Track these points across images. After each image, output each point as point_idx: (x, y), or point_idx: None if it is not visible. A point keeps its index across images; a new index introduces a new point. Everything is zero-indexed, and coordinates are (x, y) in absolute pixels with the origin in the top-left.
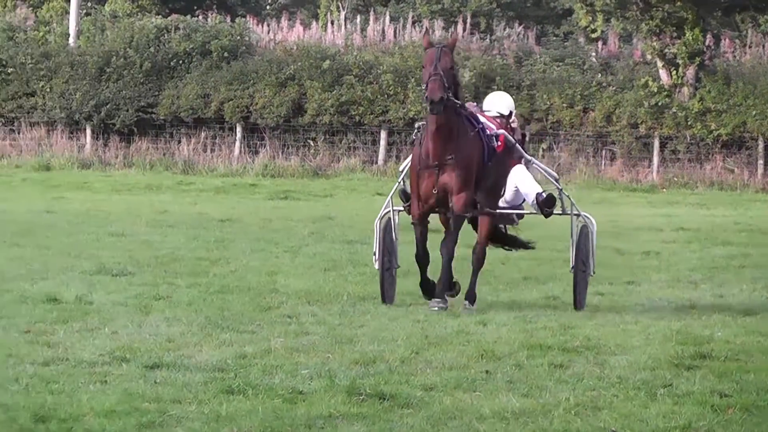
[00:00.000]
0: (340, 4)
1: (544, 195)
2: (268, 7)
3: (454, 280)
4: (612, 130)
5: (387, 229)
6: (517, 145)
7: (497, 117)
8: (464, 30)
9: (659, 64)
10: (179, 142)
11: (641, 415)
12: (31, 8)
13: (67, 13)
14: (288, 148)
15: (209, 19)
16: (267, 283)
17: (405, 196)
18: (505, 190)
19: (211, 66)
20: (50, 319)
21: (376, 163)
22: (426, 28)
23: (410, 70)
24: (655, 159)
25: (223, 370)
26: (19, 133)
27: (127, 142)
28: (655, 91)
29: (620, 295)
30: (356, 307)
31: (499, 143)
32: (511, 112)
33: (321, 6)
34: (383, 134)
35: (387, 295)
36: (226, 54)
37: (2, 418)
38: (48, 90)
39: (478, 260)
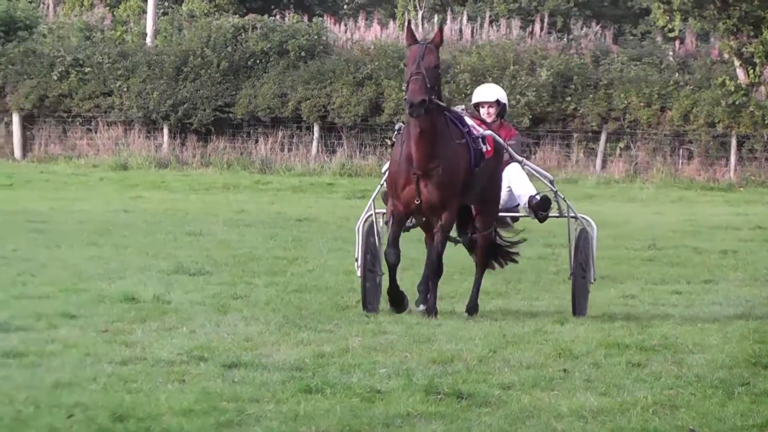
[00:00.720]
0: (417, 4)
1: (538, 197)
2: (345, 6)
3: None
4: (689, 129)
5: (370, 233)
6: (506, 144)
7: (488, 113)
8: (541, 29)
9: (736, 63)
10: (256, 141)
11: (719, 414)
12: (108, 8)
13: (144, 12)
14: (365, 147)
15: (286, 19)
16: (344, 282)
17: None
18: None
19: (289, 65)
20: (128, 318)
21: None
22: (409, 21)
23: (488, 69)
24: (732, 158)
25: (301, 369)
26: (96, 133)
27: (204, 142)
28: (732, 90)
29: (698, 294)
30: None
31: (488, 147)
32: (499, 101)
33: (398, 5)
34: None
35: (369, 302)
36: (303, 53)
37: (81, 417)
38: (125, 89)
39: (480, 271)
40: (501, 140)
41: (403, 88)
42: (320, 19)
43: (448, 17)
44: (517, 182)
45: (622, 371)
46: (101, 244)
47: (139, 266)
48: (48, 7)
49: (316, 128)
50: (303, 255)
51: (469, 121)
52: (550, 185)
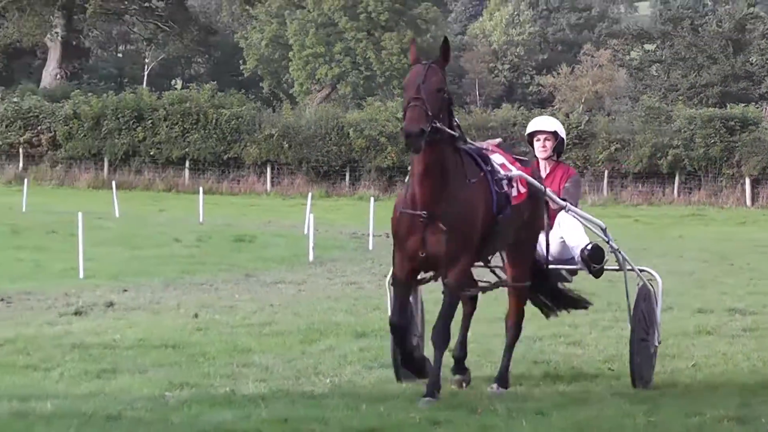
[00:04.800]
0: None
1: (589, 247)
2: None
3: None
4: None
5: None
6: (549, 190)
7: (524, 155)
8: None
9: None
10: None
11: None
12: None
13: None
14: None
15: None
16: None
17: None
18: (552, 247)
19: None
20: None
21: None
22: (413, 38)
23: None
24: None
25: None
26: None
27: None
28: None
29: None
30: None
31: (520, 190)
32: (557, 133)
33: None
34: None
35: (401, 370)
36: None
37: None
38: None
39: (513, 335)
40: (536, 183)
41: (401, 116)
42: None
43: None
44: (569, 232)
45: None
46: None
47: None
48: None
49: None
50: None
51: (498, 158)
52: (602, 234)
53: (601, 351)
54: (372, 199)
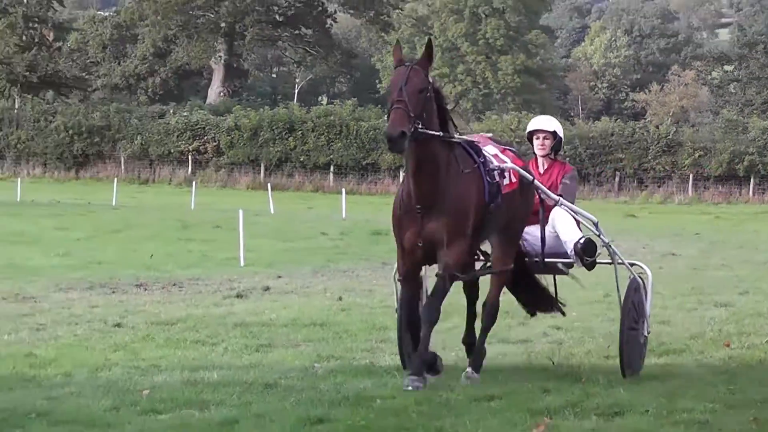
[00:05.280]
0: None
1: (582, 241)
2: None
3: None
4: None
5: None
6: (537, 182)
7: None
8: None
9: None
10: None
11: None
12: None
13: None
14: None
15: None
16: None
17: None
18: (547, 241)
19: None
20: None
21: None
22: (397, 40)
23: None
24: None
25: None
26: None
27: None
28: None
29: None
30: None
31: (512, 180)
32: (556, 133)
33: None
34: None
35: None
36: None
37: None
38: None
39: (489, 316)
40: (527, 174)
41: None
42: None
43: None
44: (562, 226)
45: None
46: None
47: None
48: None
49: None
50: None
51: (491, 149)
52: (593, 228)
53: (687, 329)
54: None
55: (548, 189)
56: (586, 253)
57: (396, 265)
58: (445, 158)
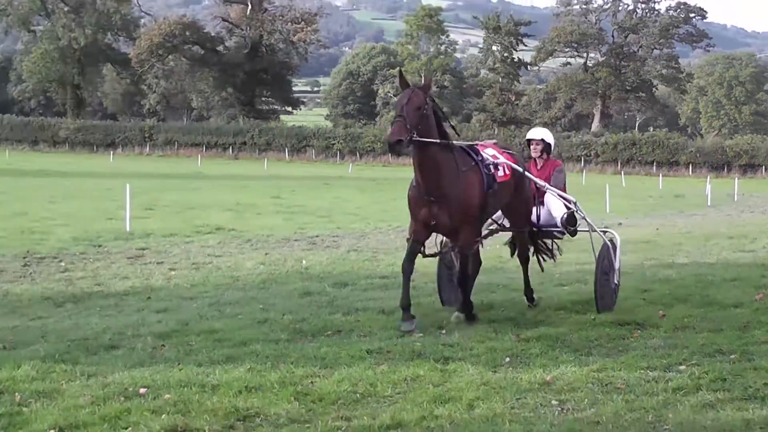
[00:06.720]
0: None
1: (565, 216)
2: None
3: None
4: None
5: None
6: (528, 173)
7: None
8: None
9: None
10: None
11: None
12: None
13: None
14: None
15: None
16: None
17: None
18: (542, 217)
19: None
20: None
21: None
22: (400, 69)
23: None
24: None
25: None
26: None
27: None
28: None
29: None
30: None
31: (506, 173)
32: (544, 140)
33: None
34: None
35: (446, 298)
36: None
37: None
38: None
39: (525, 267)
40: (517, 167)
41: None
42: None
43: None
44: (553, 206)
45: None
46: None
47: None
48: None
49: None
50: None
51: (490, 151)
52: (573, 207)
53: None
54: None
55: (543, 181)
56: (569, 223)
57: (409, 231)
58: (444, 159)
